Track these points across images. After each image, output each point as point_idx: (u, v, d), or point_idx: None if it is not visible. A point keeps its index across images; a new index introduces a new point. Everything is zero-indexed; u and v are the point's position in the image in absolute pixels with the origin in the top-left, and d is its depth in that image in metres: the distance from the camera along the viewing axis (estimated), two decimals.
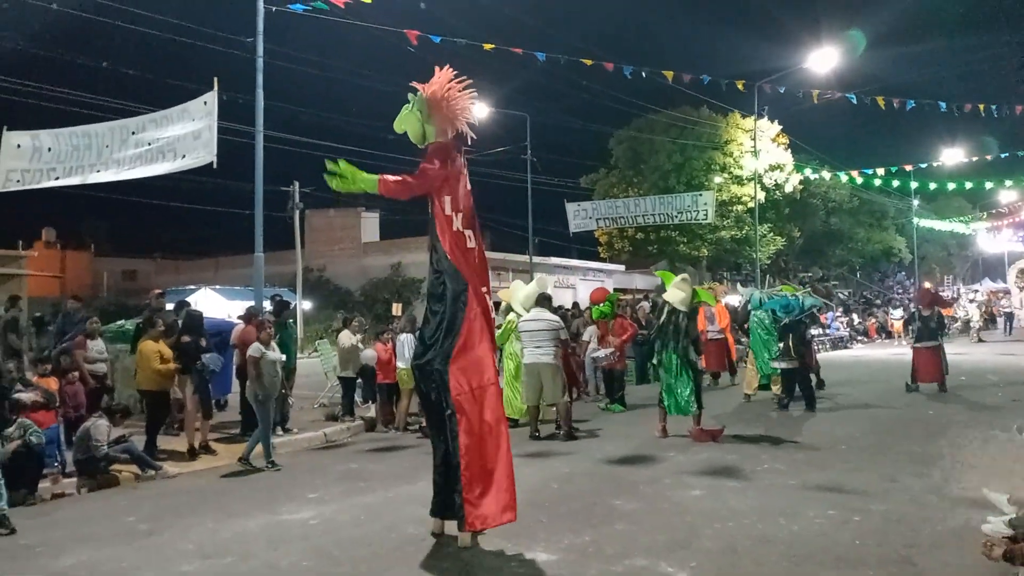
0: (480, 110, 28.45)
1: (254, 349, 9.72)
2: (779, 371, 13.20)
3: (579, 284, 41.00)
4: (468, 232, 6.25)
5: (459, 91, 6.40)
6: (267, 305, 13.55)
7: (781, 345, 12.89)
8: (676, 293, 10.57)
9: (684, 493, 7.48)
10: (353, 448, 11.22)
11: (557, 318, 11.45)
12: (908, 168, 31.52)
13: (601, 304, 13.46)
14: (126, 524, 7.17)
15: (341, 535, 6.47)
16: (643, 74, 18.18)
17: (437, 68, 6.45)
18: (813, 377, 13.99)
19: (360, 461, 10.05)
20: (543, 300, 11.45)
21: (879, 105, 21.28)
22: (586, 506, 7.09)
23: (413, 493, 7.49)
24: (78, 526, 7.22)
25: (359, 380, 13.52)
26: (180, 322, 11.44)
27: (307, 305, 32.86)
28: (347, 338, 13.16)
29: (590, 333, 14.52)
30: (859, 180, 35.64)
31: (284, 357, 10.12)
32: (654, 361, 10.89)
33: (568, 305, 21.40)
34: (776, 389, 13.57)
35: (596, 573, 5.33)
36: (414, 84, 6.45)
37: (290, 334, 12.76)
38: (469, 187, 6.44)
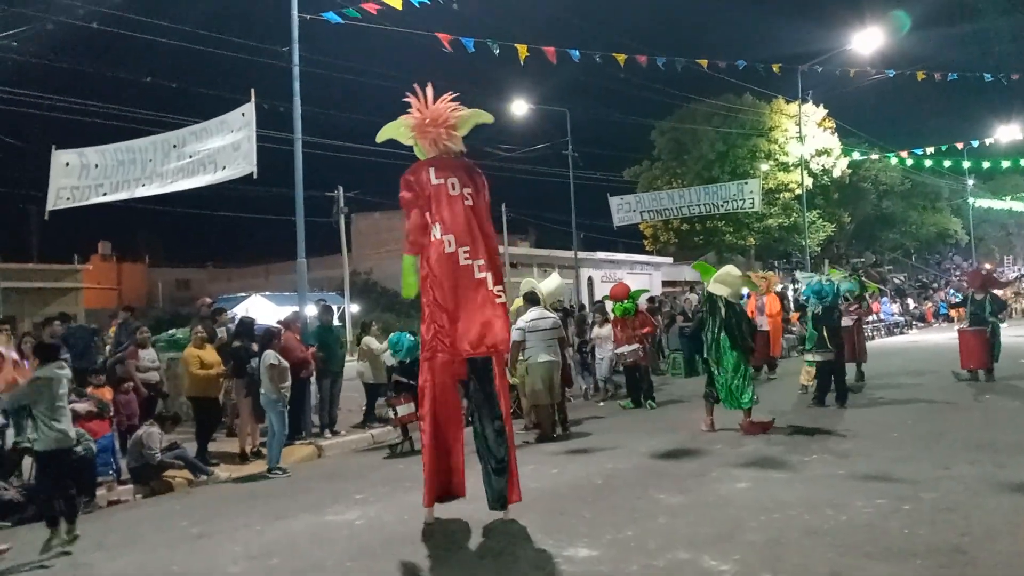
0: (519, 108, 28.61)
1: (272, 357, 9.77)
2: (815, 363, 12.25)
3: (626, 278, 40.70)
4: (463, 249, 6.45)
5: (440, 113, 6.67)
6: (312, 310, 13.70)
7: (816, 336, 12.05)
8: (722, 287, 10.37)
9: (730, 486, 7.38)
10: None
11: (556, 317, 11.60)
12: (960, 147, 30.69)
13: (624, 300, 13.30)
14: (177, 528, 7.33)
15: (386, 534, 6.52)
16: (678, 67, 17.86)
17: (414, 99, 6.77)
18: (854, 368, 13.58)
19: (406, 462, 10.11)
20: (535, 300, 11.30)
21: (924, 83, 20.71)
22: (629, 500, 7.04)
23: None
24: (131, 531, 7.42)
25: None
26: (228, 329, 11.70)
27: (355, 308, 33.26)
28: (372, 343, 12.94)
29: (608, 330, 14.05)
30: (910, 162, 34.74)
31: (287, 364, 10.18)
32: (705, 356, 10.69)
33: None
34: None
35: (638, 568, 5.29)
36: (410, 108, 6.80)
37: (336, 337, 12.88)
38: (461, 193, 6.56)
